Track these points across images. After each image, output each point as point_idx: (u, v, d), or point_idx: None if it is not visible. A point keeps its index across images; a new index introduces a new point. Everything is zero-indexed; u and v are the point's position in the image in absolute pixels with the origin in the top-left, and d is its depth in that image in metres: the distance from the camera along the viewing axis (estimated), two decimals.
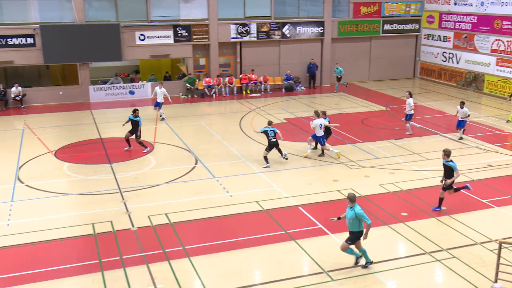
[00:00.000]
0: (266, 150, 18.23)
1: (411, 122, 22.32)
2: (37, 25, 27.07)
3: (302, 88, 32.03)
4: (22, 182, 16.71)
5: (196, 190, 16.04)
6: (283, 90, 31.68)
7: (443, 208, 14.73)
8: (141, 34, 28.98)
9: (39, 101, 28.04)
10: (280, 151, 18.48)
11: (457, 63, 32.26)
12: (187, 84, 29.95)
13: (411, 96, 22.04)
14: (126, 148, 19.97)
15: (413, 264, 11.89)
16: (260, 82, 31.25)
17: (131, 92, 29.50)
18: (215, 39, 30.32)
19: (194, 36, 29.95)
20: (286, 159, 18.58)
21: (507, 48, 28.76)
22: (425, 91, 31.64)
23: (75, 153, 19.78)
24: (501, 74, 29.18)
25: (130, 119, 19.72)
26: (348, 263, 11.91)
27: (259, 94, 30.69)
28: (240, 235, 13.20)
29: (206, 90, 30.22)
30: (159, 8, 29.15)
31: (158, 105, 24.42)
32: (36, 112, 26.42)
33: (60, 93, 28.47)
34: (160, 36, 29.32)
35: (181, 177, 17.17)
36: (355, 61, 34.35)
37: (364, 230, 11.50)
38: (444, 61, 33.33)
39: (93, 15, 28.20)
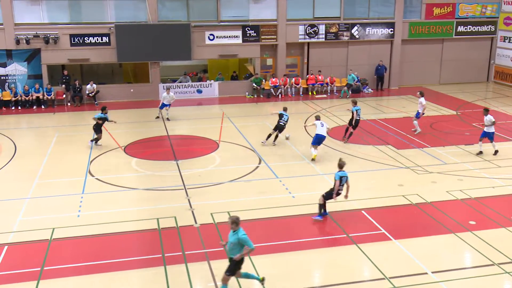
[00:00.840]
0: (273, 129, 20.27)
1: (414, 122, 22.31)
2: (112, 25, 28.09)
3: (370, 90, 31.47)
4: (93, 176, 17.39)
5: (258, 190, 16.10)
6: (350, 92, 31.25)
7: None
8: (211, 34, 29.45)
9: (111, 98, 29.10)
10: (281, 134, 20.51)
11: None
12: (254, 84, 30.15)
13: (422, 96, 22.17)
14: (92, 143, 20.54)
15: (480, 275, 11.40)
16: (327, 83, 30.99)
17: (199, 91, 30.06)
18: (283, 40, 30.34)
19: (262, 37, 30.10)
20: (287, 138, 20.75)
21: None
22: (499, 95, 30.25)
23: (143, 149, 20.37)
24: None
25: (100, 117, 20.16)
26: (411, 271, 11.57)
27: (325, 96, 30.44)
28: (301, 236, 13.14)
29: (272, 90, 30.30)
30: (229, 9, 29.52)
31: (164, 106, 24.63)
32: (108, 108, 27.39)
33: (131, 90, 29.43)
34: (229, 36, 29.68)
35: (244, 176, 17.29)
36: (425, 64, 33.34)
37: (243, 252, 10.17)
38: None
39: (165, 15, 28.95)
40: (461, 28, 33.03)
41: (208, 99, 29.56)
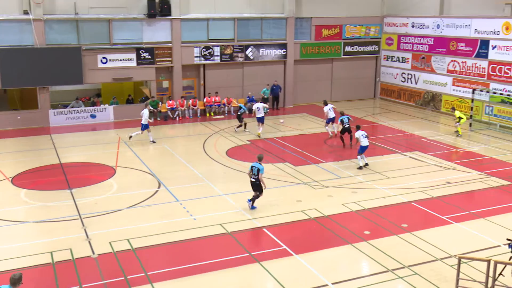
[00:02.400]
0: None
1: (327, 127, 25.16)
2: None
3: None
4: None
5: (159, 214, 15.80)
6: (247, 112, 31.73)
7: (403, 225, 14.90)
8: (103, 57, 28.72)
9: None
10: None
11: (416, 83, 33.04)
12: (150, 107, 29.71)
13: (326, 105, 25.16)
14: None
15: (376, 282, 11.94)
16: (224, 104, 31.29)
17: (93, 116, 29.09)
18: (179, 62, 30.29)
19: (157, 59, 29.85)
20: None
21: (462, 69, 29.63)
22: (385, 111, 32.21)
23: (33, 179, 19.27)
24: (457, 94, 29.98)
25: None
26: (312, 284, 11.88)
27: (222, 116, 30.68)
28: (204, 258, 13.03)
29: (169, 113, 30.05)
30: (122, 31, 28.99)
31: (146, 127, 24.27)
32: None
33: (18, 117, 27.81)
34: (123, 59, 29.13)
35: (143, 201, 16.91)
36: (317, 82, 34.78)
37: None
38: (403, 82, 34.08)
39: (53, 38, 27.79)
40: (348, 48, 34.91)
41: (103, 124, 28.68)
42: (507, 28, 26.91)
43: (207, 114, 30.79)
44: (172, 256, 13.18)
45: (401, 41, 34.01)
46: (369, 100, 35.66)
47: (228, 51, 31.34)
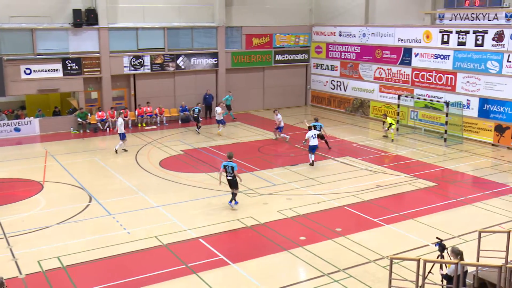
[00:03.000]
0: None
1: (282, 135, 26.31)
2: None
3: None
4: None
5: (90, 229, 15.29)
6: (180, 122, 31.48)
7: (337, 229, 15.21)
8: (27, 68, 27.59)
9: None
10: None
11: (345, 90, 33.97)
12: (79, 119, 28.84)
13: (278, 113, 26.30)
14: None
15: (313, 287, 12.08)
16: (156, 114, 30.85)
17: (17, 129, 27.82)
18: (108, 72, 29.60)
19: (85, 69, 29.03)
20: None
21: (388, 76, 30.78)
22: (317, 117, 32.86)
23: None
24: (384, 100, 31.08)
25: None
26: None
27: (155, 127, 30.24)
28: (139, 273, 12.71)
29: (99, 124, 29.26)
30: (46, 41, 27.97)
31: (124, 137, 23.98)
32: None
33: None
34: (48, 70, 28.09)
35: (73, 216, 16.31)
36: (249, 91, 35.00)
37: None
38: (333, 89, 34.95)
39: None
40: (279, 57, 35.40)
41: (28, 137, 27.49)
42: (427, 37, 28.24)
43: (139, 125, 30.24)
44: (106, 272, 12.76)
45: (330, 49, 34.88)
46: (301, 107, 36.29)
47: (159, 60, 30.97)
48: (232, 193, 16.96)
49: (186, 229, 15.27)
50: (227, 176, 16.85)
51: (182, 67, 31.79)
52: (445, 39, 27.30)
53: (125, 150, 24.28)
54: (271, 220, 16.02)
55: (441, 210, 16.97)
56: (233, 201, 17.00)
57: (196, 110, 27.80)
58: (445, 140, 25.68)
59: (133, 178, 20.28)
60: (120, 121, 24.14)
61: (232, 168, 16.72)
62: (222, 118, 28.07)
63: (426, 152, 24.21)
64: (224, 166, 16.88)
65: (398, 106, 28.51)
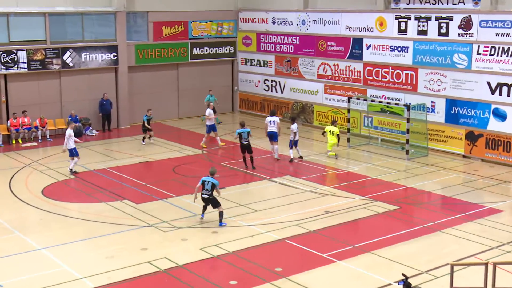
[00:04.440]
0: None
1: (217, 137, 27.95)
2: None
3: (94, 132, 31.43)
4: None
5: None
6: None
7: (277, 269, 15.26)
8: None
9: None
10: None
11: (282, 92, 34.46)
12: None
13: (270, 115, 26.64)
14: None
15: None
16: (36, 127, 29.97)
17: None
18: None
19: None
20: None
21: (335, 73, 31.49)
22: (247, 127, 33.05)
23: None
24: (331, 103, 31.77)
25: None
26: None
27: (35, 143, 29.39)
28: None
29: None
30: None
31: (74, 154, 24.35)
32: None
33: None
34: None
35: None
36: (160, 95, 34.74)
37: None
38: (267, 90, 35.37)
39: None
40: (197, 50, 35.46)
41: None
42: (381, 24, 29.18)
43: (13, 142, 29.32)
44: None
45: (261, 40, 35.33)
46: (227, 114, 36.35)
47: (39, 56, 30.21)
48: (220, 212, 18.57)
49: (80, 277, 14.86)
50: (203, 193, 18.41)
51: (70, 64, 31.15)
52: (403, 27, 28.32)
53: (75, 172, 24.26)
54: (192, 260, 15.91)
55: (405, 239, 17.42)
56: (221, 222, 18.48)
57: (245, 135, 24.99)
58: (406, 152, 26.50)
59: (6, 212, 19.69)
60: (69, 132, 24.20)
61: (213, 185, 18.38)
62: (214, 123, 28.70)
63: (384, 168, 24.88)
64: (203, 182, 18.47)
65: (349, 110, 29.15)
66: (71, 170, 24.23)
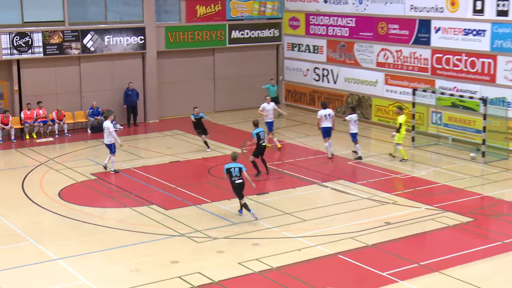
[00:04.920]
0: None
1: (325, 144, 26.41)
2: None
3: (118, 126, 31.67)
4: None
5: None
6: (89, 131, 31.07)
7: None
8: None
9: None
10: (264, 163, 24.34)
11: (335, 82, 34.26)
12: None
13: (322, 107, 26.53)
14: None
15: None
16: (53, 120, 30.38)
17: None
18: None
19: None
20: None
21: (397, 61, 31.17)
22: (294, 123, 32.99)
23: None
24: (393, 96, 31.47)
25: None
26: None
27: (51, 139, 29.82)
28: None
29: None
30: None
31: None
32: None
33: None
34: None
35: None
36: (193, 85, 34.90)
37: None
38: (317, 81, 35.22)
39: None
40: (236, 34, 35.48)
41: None
42: (453, 4, 28.75)
43: (27, 136, 29.78)
44: None
45: (311, 22, 35.18)
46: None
47: (56, 39, 30.61)
48: (243, 204, 19.72)
49: None
50: (235, 180, 19.50)
51: (92, 49, 31.49)
52: (479, 7, 27.88)
53: (115, 171, 24.76)
54: (229, 276, 15.86)
55: (480, 257, 17.09)
56: (247, 210, 19.63)
57: (262, 134, 24.68)
58: (483, 154, 26.14)
59: (19, 217, 19.95)
60: (106, 125, 24.61)
61: (240, 170, 19.51)
62: (273, 119, 28.34)
63: (456, 173, 24.54)
64: (228, 170, 19.51)
65: (414, 105, 28.85)
66: (105, 166, 24.75)
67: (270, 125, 27.94)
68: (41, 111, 30.22)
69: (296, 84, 36.42)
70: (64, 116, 30.69)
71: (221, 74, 35.65)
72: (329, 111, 26.34)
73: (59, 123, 30.49)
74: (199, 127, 27.53)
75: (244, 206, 19.73)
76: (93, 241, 18.09)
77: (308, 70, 35.68)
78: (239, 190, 19.64)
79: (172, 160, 26.28)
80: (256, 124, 24.29)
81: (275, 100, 31.45)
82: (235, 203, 20.97)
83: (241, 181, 19.55)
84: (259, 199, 21.45)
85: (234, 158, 19.92)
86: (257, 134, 23.90)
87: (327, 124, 26.01)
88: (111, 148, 24.53)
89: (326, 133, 26.09)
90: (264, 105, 28.09)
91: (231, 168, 19.55)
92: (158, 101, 33.62)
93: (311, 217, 19.86)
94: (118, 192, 22.39)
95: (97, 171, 24.67)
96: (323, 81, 34.95)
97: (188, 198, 21.61)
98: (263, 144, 24.12)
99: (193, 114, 27.45)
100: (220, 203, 21.10)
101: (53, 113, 30.47)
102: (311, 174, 24.28)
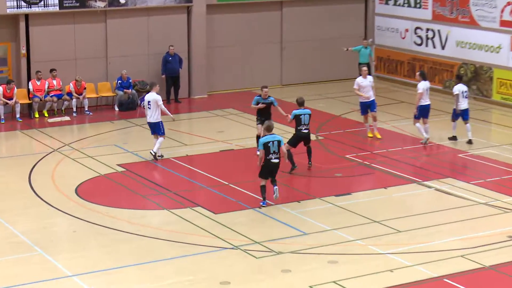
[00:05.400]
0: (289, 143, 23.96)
1: (417, 124, 26.64)
2: None
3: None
4: None
5: None
6: (116, 108, 31.36)
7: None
8: None
9: None
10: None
11: (443, 47, 33.89)
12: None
13: (422, 78, 26.64)
14: None
15: None
16: (69, 94, 30.71)
17: None
18: None
19: None
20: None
21: None
22: (387, 101, 32.74)
23: None
24: None
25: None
26: None
27: (67, 118, 30.16)
28: None
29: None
30: None
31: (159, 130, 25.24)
32: None
33: None
34: None
35: None
36: (254, 50, 34.96)
37: None
38: (419, 45, 34.94)
39: None
40: None
41: None
42: None
43: (36, 115, 30.20)
44: None
45: None
46: (353, 81, 35.94)
47: None
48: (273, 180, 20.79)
49: None
50: (271, 160, 20.35)
51: (121, 1, 31.74)
52: None
53: (161, 156, 25.40)
54: None
55: None
56: (273, 184, 20.73)
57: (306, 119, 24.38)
58: None
59: (25, 220, 20.21)
60: (152, 97, 24.89)
61: (279, 142, 20.39)
62: (373, 97, 27.59)
63: None
64: (265, 145, 20.28)
65: None
66: (154, 154, 25.01)
67: (371, 106, 27.39)
68: (54, 82, 30.57)
69: (391, 50, 36.26)
70: (85, 88, 30.96)
71: (290, 35, 35.63)
72: (428, 83, 26.46)
73: (77, 98, 30.80)
74: (265, 114, 25.04)
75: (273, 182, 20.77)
76: (120, 253, 18.24)
77: (407, 30, 35.48)
78: (274, 172, 20.71)
79: (224, 149, 26.41)
80: (300, 103, 24.20)
81: (367, 67, 31.28)
82: (307, 206, 20.97)
83: (278, 160, 20.49)
84: (338, 201, 21.33)
85: (269, 128, 20.59)
86: (297, 116, 23.82)
87: (427, 101, 26.00)
88: (160, 128, 24.78)
89: (426, 112, 26.09)
90: (359, 80, 27.61)
91: (269, 142, 20.21)
92: (208, 71, 33.73)
93: (407, 227, 19.67)
94: (154, 190, 22.49)
95: (126, 161, 24.90)
96: (426, 45, 34.69)
97: (244, 198, 21.65)
98: (305, 131, 23.89)
99: (259, 97, 25.60)
100: (286, 206, 21.07)
101: (71, 84, 30.80)
102: (408, 169, 24.12)
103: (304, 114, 23.85)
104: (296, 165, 23.68)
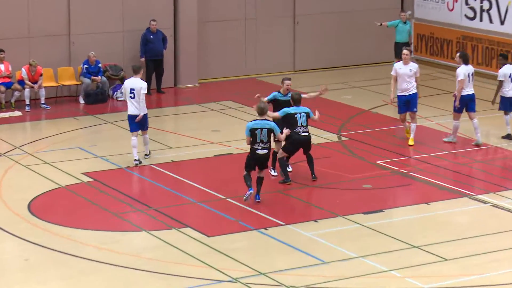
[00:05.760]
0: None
1: (454, 122, 27.06)
2: None
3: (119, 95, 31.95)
4: None
5: None
6: (82, 101, 31.39)
7: None
8: None
9: None
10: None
11: (502, 22, 33.89)
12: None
13: (463, 61, 26.82)
14: None
15: None
16: (21, 82, 30.74)
17: None
18: None
19: None
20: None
21: None
22: (430, 91, 32.76)
23: None
24: None
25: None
26: None
27: (18, 113, 30.22)
28: None
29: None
30: None
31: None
32: None
33: None
34: None
35: None
36: (259, 27, 35.11)
37: None
38: (471, 19, 34.92)
39: None
40: None
41: None
42: None
43: None
44: None
45: None
46: (387, 66, 36.05)
47: None
48: (260, 178, 21.91)
49: None
50: (257, 149, 21.52)
51: None
52: None
53: (138, 162, 25.78)
54: None
55: None
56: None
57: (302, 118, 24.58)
58: None
59: None
60: (136, 84, 25.00)
61: (271, 131, 21.56)
62: (415, 90, 27.11)
63: None
64: (252, 131, 21.42)
65: None
66: (142, 158, 25.44)
67: (410, 102, 27.09)
68: (2, 67, 30.57)
69: (435, 25, 36.34)
70: (41, 75, 31.00)
71: (305, 8, 35.65)
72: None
73: (31, 87, 30.82)
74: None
75: (259, 181, 21.84)
76: (81, 277, 18.23)
77: (456, 1, 35.43)
78: (262, 166, 21.80)
79: (220, 153, 26.52)
80: (296, 99, 23.81)
81: (407, 46, 31.42)
82: (326, 226, 20.92)
83: (266, 151, 21.46)
84: (367, 220, 21.34)
85: (261, 110, 21.49)
86: (289, 115, 23.54)
87: (470, 91, 25.95)
88: (146, 121, 25.10)
89: (470, 103, 26.13)
90: (398, 66, 27.26)
91: (257, 129, 21.13)
92: (199, 53, 33.78)
93: (456, 254, 19.63)
94: (129, 206, 22.54)
95: (93, 169, 24.97)
96: (481, 19, 34.70)
97: (245, 216, 21.68)
98: (304, 134, 23.59)
99: (278, 93, 25.04)
100: (300, 226, 21.05)
101: (23, 69, 30.84)
102: (456, 179, 24.12)
103: (300, 113, 23.69)
104: (291, 179, 23.73)
